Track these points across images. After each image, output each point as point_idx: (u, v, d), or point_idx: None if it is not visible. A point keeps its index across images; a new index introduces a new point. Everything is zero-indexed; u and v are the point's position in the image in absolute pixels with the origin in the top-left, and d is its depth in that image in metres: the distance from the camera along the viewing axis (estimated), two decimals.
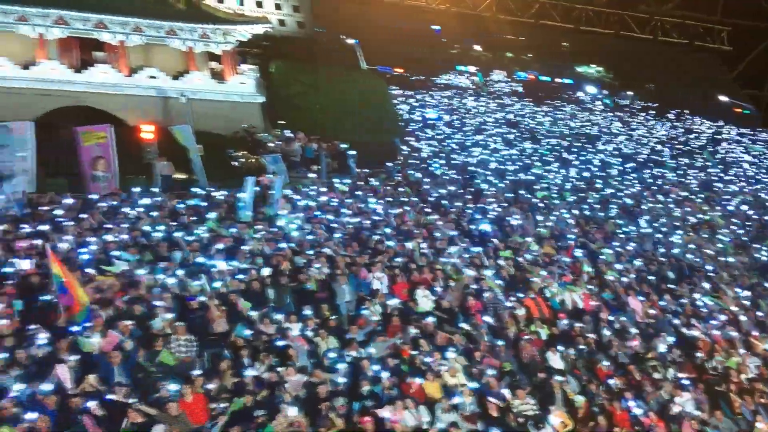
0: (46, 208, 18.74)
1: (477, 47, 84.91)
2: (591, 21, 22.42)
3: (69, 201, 19.37)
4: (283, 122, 33.04)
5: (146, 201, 20.31)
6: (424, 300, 17.82)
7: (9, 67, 30.09)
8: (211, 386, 12.86)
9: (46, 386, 11.74)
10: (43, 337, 12.95)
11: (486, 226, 23.63)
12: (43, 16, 31.35)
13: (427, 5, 17.52)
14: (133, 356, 13.29)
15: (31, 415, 10.97)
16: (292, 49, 49.96)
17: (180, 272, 16.30)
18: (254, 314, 15.54)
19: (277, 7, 70.88)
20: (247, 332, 14.89)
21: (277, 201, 21.69)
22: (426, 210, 24.57)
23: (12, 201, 18.70)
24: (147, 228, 18.31)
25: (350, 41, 63.41)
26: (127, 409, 11.68)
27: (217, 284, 16.12)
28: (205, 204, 21.18)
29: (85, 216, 18.50)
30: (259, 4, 70.10)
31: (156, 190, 21.84)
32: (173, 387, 12.51)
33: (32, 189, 20.82)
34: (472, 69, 70.62)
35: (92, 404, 11.57)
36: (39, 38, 31.39)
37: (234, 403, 12.74)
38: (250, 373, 13.42)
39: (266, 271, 17.18)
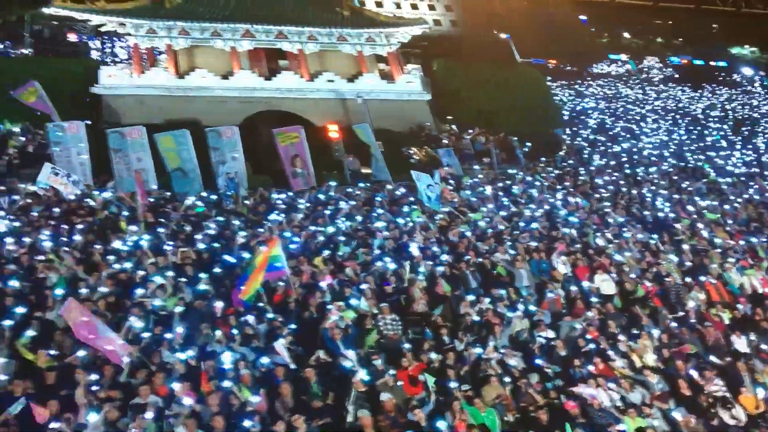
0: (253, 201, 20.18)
1: (626, 35, 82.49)
2: None
3: (280, 195, 20.78)
4: (450, 117, 33.50)
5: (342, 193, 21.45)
6: (605, 284, 17.78)
7: (210, 78, 32.38)
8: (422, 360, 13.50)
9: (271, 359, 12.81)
10: (268, 315, 14.08)
11: (658, 212, 23.20)
12: (233, 30, 33.29)
13: None
14: (352, 333, 14.14)
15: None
16: (449, 46, 50.44)
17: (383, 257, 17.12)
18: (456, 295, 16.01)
19: (431, 8, 71.93)
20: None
21: (439, 192, 22.12)
22: (596, 197, 24.40)
23: (226, 180, 20.25)
24: (348, 217, 19.35)
25: (502, 36, 63.26)
26: (353, 379, 12.57)
27: (420, 269, 16.69)
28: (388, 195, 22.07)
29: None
30: (414, 6, 71.44)
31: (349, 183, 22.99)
32: (379, 361, 13.25)
33: (244, 185, 22.42)
34: (624, 57, 68.67)
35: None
36: (232, 51, 33.42)
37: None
38: (459, 347, 14.03)
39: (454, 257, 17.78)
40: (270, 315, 14.05)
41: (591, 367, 14.06)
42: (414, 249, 17.61)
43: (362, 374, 12.63)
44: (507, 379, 13.11)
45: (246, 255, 16.42)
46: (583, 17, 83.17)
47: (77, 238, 16.29)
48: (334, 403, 12.25)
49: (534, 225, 20.82)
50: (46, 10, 35.20)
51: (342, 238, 18.00)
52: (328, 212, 19.84)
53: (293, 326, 13.81)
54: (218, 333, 13.31)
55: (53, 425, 10.64)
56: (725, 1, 32.67)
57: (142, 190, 18.27)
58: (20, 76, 27.39)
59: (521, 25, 66.09)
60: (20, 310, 12.95)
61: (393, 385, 12.73)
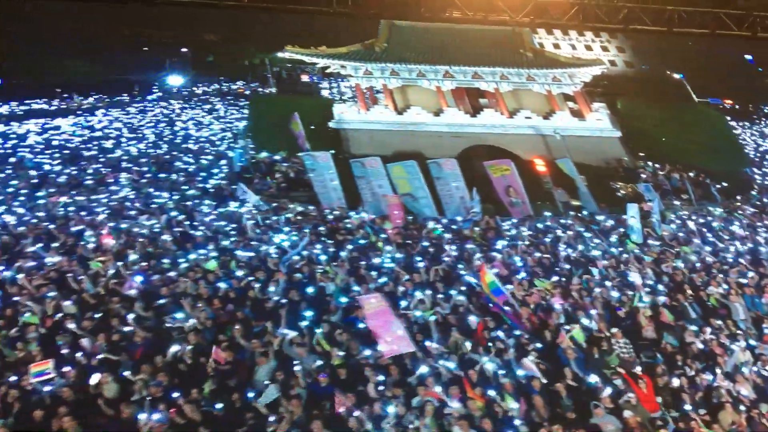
0: (484, 228, 20.61)
1: None
2: (684, 22, 19.32)
3: (504, 223, 21.16)
4: (642, 154, 32.51)
5: (556, 223, 21.46)
6: None
7: (424, 115, 33.45)
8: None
9: (523, 372, 13.05)
10: (502, 335, 14.31)
11: None
12: (435, 71, 34.18)
13: (513, 19, 16.60)
14: (579, 354, 14.11)
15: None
16: (628, 86, 48.83)
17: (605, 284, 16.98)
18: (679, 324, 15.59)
19: (604, 49, 69.70)
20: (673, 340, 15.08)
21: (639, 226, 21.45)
22: None
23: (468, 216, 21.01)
24: (564, 246, 19.35)
25: (676, 76, 60.31)
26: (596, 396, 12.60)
27: (646, 298, 16.35)
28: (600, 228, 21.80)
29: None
30: (588, 48, 69.55)
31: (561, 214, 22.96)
32: (619, 381, 13.15)
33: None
34: None
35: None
36: (437, 90, 34.32)
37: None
38: (690, 373, 13.63)
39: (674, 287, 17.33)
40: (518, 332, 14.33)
41: None
42: (636, 278, 17.36)
43: (607, 392, 12.68)
44: (741, 408, 12.65)
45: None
46: (748, 56, 77.81)
47: (344, 253, 17.46)
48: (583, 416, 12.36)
49: (741, 260, 19.91)
50: (281, 54, 37.88)
51: (566, 266, 17.99)
52: (548, 240, 19.96)
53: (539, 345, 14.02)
54: (468, 344, 13.74)
55: (356, 414, 11.52)
56: (740, 26, 28.38)
57: (396, 215, 19.16)
58: (272, 111, 29.70)
59: (689, 65, 62.79)
60: (308, 313, 14.05)
61: (636, 404, 12.66)
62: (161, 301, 14.49)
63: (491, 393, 12.12)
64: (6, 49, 39.42)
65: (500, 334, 14.15)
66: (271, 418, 11.11)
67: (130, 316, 13.44)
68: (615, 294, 16.55)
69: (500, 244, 18.85)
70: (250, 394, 11.46)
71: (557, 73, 34.44)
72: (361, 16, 17.75)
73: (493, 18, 17.51)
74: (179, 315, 13.80)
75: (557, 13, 17.61)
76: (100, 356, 12.22)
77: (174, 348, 12.72)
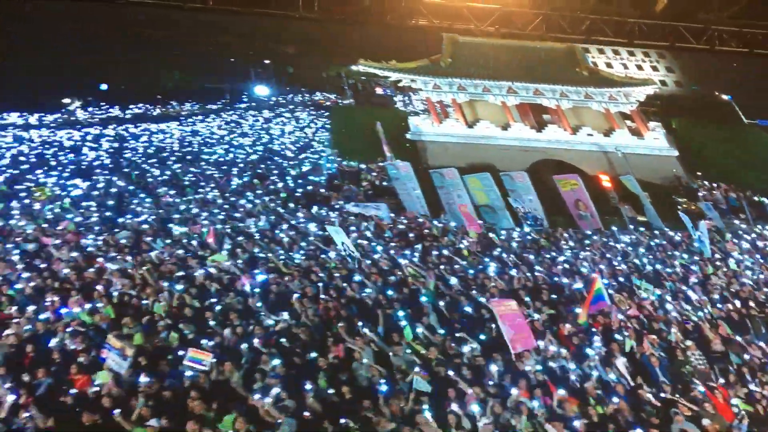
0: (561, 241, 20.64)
1: None
2: (645, 34, 18.61)
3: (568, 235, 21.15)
4: (699, 173, 31.93)
5: (626, 237, 21.35)
6: None
7: (493, 128, 33.40)
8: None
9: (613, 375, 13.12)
10: (597, 340, 14.42)
11: None
12: (499, 87, 33.99)
13: (477, 28, 16.16)
14: (663, 361, 14.15)
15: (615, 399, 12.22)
16: (681, 106, 47.74)
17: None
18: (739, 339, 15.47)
19: (654, 69, 67.98)
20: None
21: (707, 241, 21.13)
22: None
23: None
24: (636, 260, 19.26)
25: (724, 97, 58.68)
26: (676, 403, 12.62)
27: (700, 313, 16.26)
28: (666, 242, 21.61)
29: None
30: (639, 68, 67.95)
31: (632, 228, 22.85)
32: (702, 388, 13.12)
33: (545, 224, 22.99)
34: None
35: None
36: (503, 105, 34.17)
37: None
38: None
39: (738, 303, 17.14)
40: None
41: None
42: (701, 293, 17.24)
43: (683, 400, 12.69)
44: None
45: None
46: None
47: (431, 258, 17.74)
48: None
49: None
50: (354, 67, 38.10)
51: (637, 280, 17.92)
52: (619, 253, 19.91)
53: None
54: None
55: (453, 407, 11.76)
56: (699, 39, 26.43)
57: (471, 223, 19.36)
58: (352, 121, 30.03)
59: (736, 86, 60.94)
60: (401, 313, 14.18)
61: (713, 413, 12.65)
62: (271, 298, 14.94)
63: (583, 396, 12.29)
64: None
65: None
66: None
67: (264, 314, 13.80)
68: (683, 307, 16.53)
69: (570, 255, 18.90)
70: (383, 388, 11.58)
71: (613, 92, 34.05)
72: (327, 21, 17.73)
73: (459, 26, 17.43)
74: (286, 312, 14.18)
75: (522, 23, 17.51)
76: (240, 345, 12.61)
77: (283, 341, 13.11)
